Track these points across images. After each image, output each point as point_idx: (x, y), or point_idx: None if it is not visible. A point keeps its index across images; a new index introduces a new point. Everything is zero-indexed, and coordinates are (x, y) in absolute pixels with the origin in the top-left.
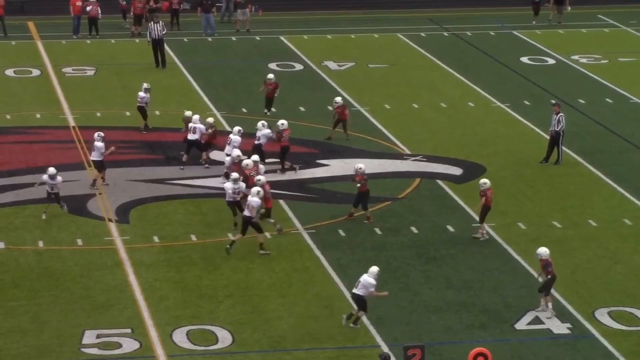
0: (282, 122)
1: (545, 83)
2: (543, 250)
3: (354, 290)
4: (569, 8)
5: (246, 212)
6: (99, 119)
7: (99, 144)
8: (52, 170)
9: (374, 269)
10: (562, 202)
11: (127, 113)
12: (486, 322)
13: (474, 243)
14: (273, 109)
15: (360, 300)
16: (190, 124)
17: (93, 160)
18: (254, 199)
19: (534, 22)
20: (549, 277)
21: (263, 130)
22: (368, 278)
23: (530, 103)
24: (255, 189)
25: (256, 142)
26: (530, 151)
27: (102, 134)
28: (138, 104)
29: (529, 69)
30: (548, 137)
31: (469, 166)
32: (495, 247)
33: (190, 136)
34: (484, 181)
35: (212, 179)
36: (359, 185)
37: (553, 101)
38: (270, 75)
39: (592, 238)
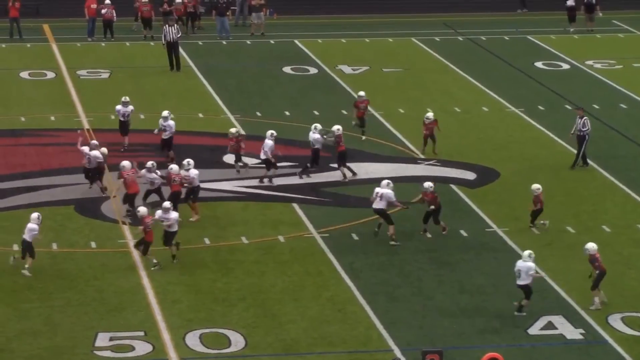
0: (338, 128)
1: (560, 88)
2: (591, 246)
3: (518, 282)
4: (601, 14)
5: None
6: (113, 122)
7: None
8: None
9: (526, 252)
10: (576, 207)
11: (142, 116)
12: (499, 327)
13: (487, 248)
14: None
15: (526, 288)
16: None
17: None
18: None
19: (570, 30)
20: (598, 272)
21: (314, 135)
22: (526, 264)
23: (545, 108)
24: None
25: (314, 147)
26: (544, 156)
27: (96, 142)
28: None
29: (543, 74)
30: (563, 142)
31: (482, 171)
32: (508, 252)
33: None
34: (537, 187)
35: (225, 183)
36: (426, 202)
37: (571, 106)
38: (362, 93)
39: (606, 243)
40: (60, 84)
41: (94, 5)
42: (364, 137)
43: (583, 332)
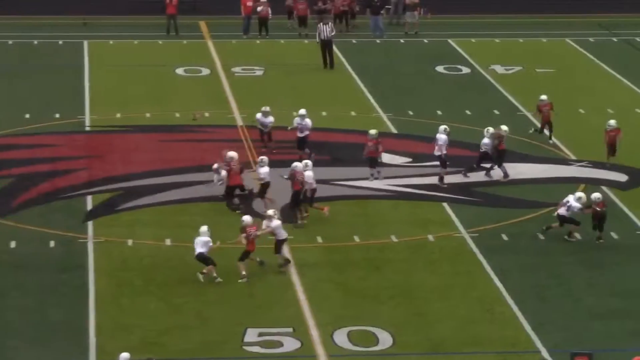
0: (504, 128)
1: None
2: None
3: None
4: None
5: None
6: None
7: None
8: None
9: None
10: None
11: (294, 113)
12: None
13: (638, 251)
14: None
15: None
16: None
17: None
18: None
19: None
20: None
21: (484, 139)
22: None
23: None
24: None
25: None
26: None
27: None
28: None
29: None
30: None
31: (634, 173)
32: None
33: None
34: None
35: (376, 181)
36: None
37: None
38: (544, 97)
39: None
40: (215, 81)
41: (249, 3)
42: (551, 141)
43: None
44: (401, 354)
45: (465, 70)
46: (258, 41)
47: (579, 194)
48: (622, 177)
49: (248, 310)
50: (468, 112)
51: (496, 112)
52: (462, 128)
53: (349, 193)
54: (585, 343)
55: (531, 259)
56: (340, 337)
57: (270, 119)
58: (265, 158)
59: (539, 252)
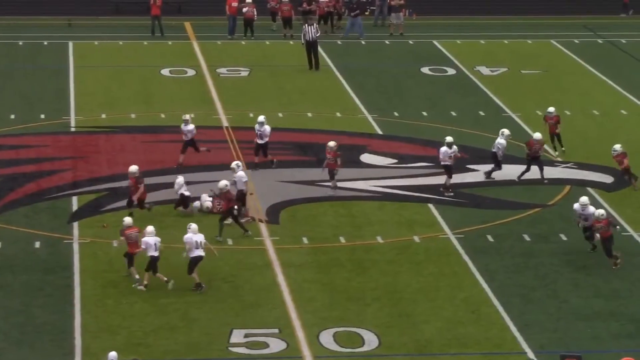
0: (537, 135)
1: None
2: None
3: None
4: None
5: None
6: (252, 120)
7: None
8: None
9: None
10: None
11: (280, 114)
12: (634, 331)
13: (623, 252)
14: (563, 149)
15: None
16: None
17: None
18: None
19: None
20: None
21: (500, 140)
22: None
23: None
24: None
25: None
26: None
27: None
28: (186, 138)
29: None
30: None
31: (620, 174)
32: None
33: None
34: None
35: (362, 182)
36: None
37: None
38: (551, 109)
39: None
40: (201, 82)
41: (235, 4)
42: (557, 153)
43: None
44: (387, 355)
45: (451, 71)
46: (243, 42)
47: (600, 211)
48: (608, 179)
49: (234, 311)
50: (453, 113)
51: (481, 113)
52: (448, 129)
53: (335, 194)
54: (570, 344)
55: (517, 260)
56: (326, 338)
57: (267, 128)
58: (239, 162)
59: (525, 253)
